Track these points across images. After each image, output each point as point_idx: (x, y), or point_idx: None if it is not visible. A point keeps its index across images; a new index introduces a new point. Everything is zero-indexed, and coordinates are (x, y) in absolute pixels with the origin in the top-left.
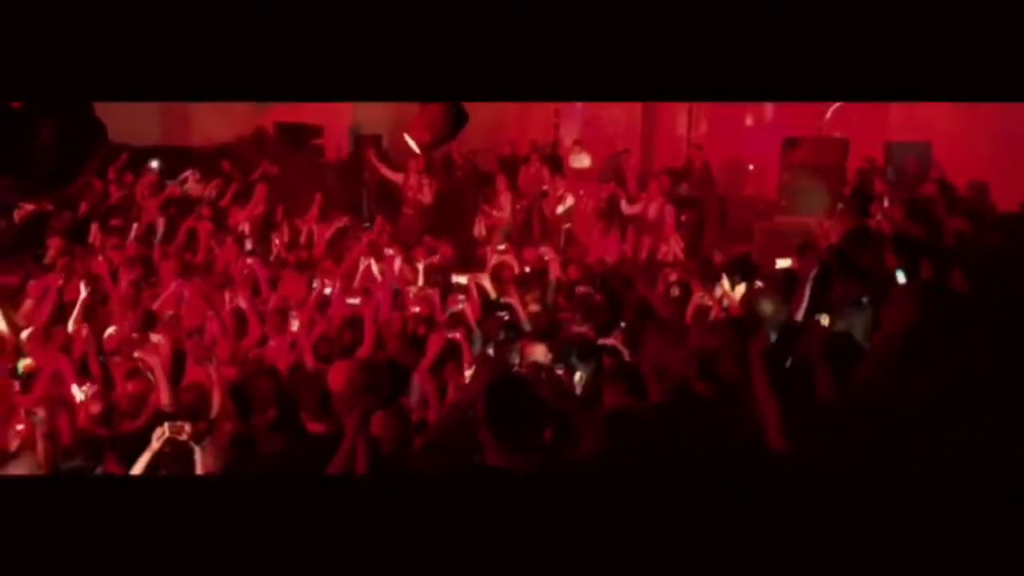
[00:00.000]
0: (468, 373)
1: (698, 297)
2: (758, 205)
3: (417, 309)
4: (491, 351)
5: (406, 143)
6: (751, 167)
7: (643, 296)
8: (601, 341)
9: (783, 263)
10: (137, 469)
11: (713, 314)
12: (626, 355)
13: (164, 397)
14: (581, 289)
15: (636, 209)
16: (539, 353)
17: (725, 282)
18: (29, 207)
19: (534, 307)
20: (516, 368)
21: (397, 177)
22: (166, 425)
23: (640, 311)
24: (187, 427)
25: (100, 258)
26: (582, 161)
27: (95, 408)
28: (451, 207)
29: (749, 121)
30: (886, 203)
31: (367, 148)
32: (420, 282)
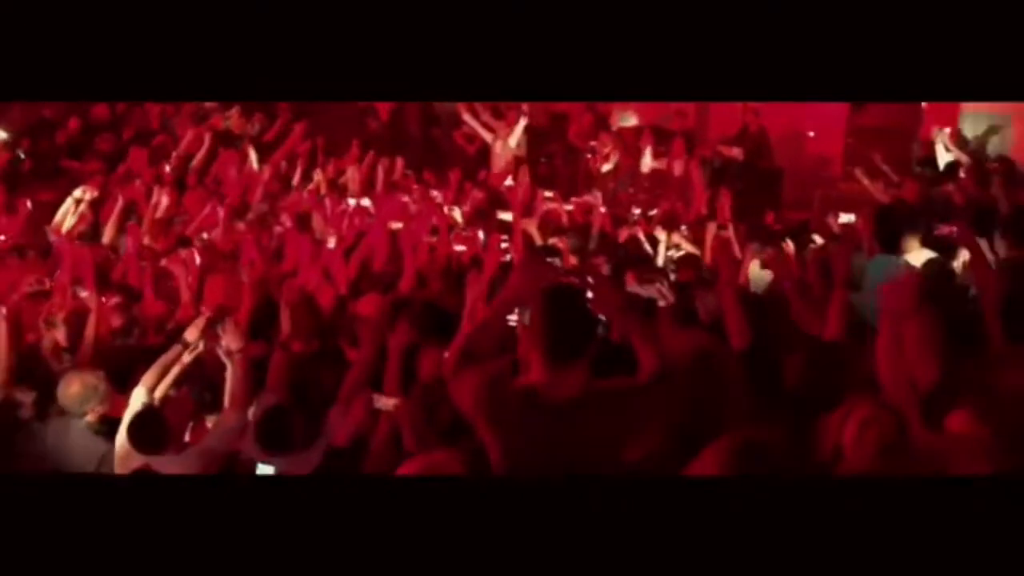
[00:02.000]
0: None
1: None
2: (819, 172)
3: (462, 248)
4: None
5: None
6: (812, 133)
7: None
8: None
9: (846, 218)
10: (162, 388)
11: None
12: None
13: (188, 308)
14: (624, 234)
15: (659, 165)
16: None
17: (789, 245)
18: (72, 127)
19: (572, 259)
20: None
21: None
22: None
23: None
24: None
25: (138, 182)
26: (627, 120)
27: (117, 321)
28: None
29: None
30: (961, 173)
31: None
32: (460, 222)
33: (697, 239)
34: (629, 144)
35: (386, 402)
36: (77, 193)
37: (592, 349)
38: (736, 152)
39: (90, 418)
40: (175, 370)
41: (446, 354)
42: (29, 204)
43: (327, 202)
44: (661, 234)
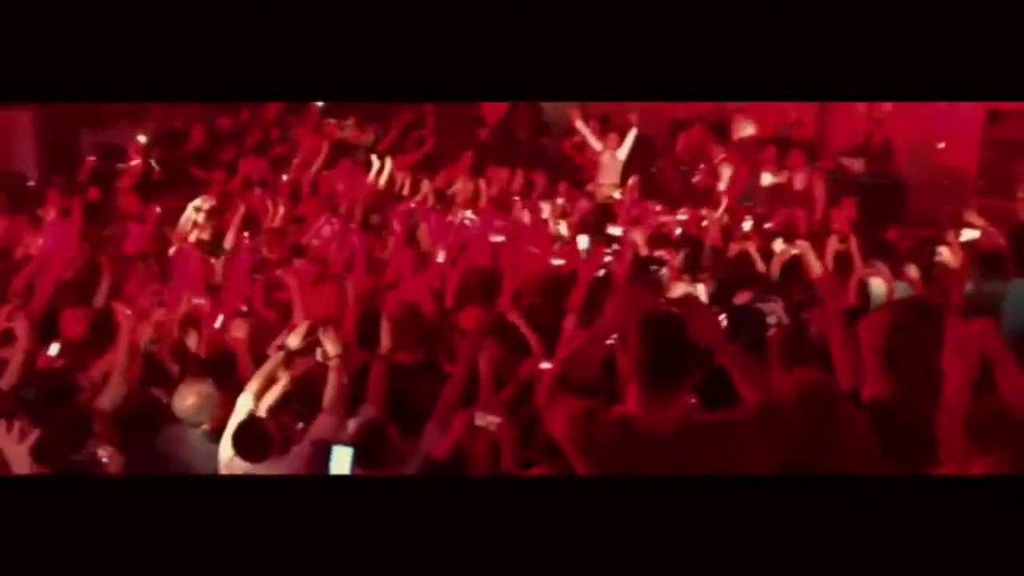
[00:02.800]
0: None
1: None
2: (949, 187)
3: (561, 262)
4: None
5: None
6: (942, 145)
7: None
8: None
9: (970, 235)
10: (266, 396)
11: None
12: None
13: (298, 318)
14: (735, 248)
15: (779, 178)
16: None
17: (912, 269)
18: (197, 136)
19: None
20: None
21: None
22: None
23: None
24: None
25: (256, 191)
26: (746, 129)
27: (240, 332)
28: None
29: None
30: None
31: (519, 105)
32: (564, 235)
33: (815, 253)
34: (748, 156)
35: (487, 420)
36: (197, 202)
37: (691, 380)
38: (859, 164)
39: (206, 427)
40: (278, 377)
41: (545, 364)
42: (159, 210)
43: (434, 214)
44: (778, 246)
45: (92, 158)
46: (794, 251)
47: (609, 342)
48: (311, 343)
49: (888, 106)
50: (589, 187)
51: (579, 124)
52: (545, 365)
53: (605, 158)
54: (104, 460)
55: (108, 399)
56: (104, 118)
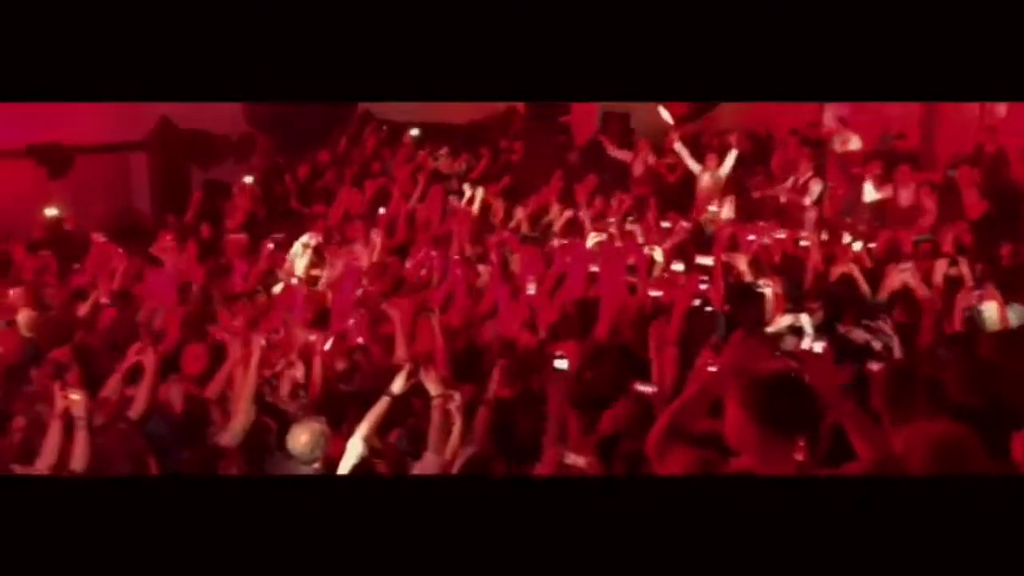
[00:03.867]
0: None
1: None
2: None
3: (658, 293)
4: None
5: (657, 118)
6: None
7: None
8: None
9: None
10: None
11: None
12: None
13: (400, 351)
14: (837, 271)
15: (884, 193)
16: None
17: None
18: (302, 172)
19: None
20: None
21: (625, 156)
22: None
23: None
24: (456, 395)
25: (357, 224)
26: (851, 143)
27: (341, 364)
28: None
29: None
30: None
31: (609, 126)
32: (660, 262)
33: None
34: (849, 171)
35: (576, 460)
36: (304, 239)
37: (808, 436)
38: (970, 176)
39: (317, 465)
40: (382, 419)
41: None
42: (272, 246)
43: (526, 245)
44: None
45: (199, 194)
46: (900, 274)
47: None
48: (413, 385)
49: (1002, 111)
50: (692, 212)
51: (677, 145)
52: (645, 388)
53: (704, 179)
54: None
55: (232, 434)
56: (211, 155)
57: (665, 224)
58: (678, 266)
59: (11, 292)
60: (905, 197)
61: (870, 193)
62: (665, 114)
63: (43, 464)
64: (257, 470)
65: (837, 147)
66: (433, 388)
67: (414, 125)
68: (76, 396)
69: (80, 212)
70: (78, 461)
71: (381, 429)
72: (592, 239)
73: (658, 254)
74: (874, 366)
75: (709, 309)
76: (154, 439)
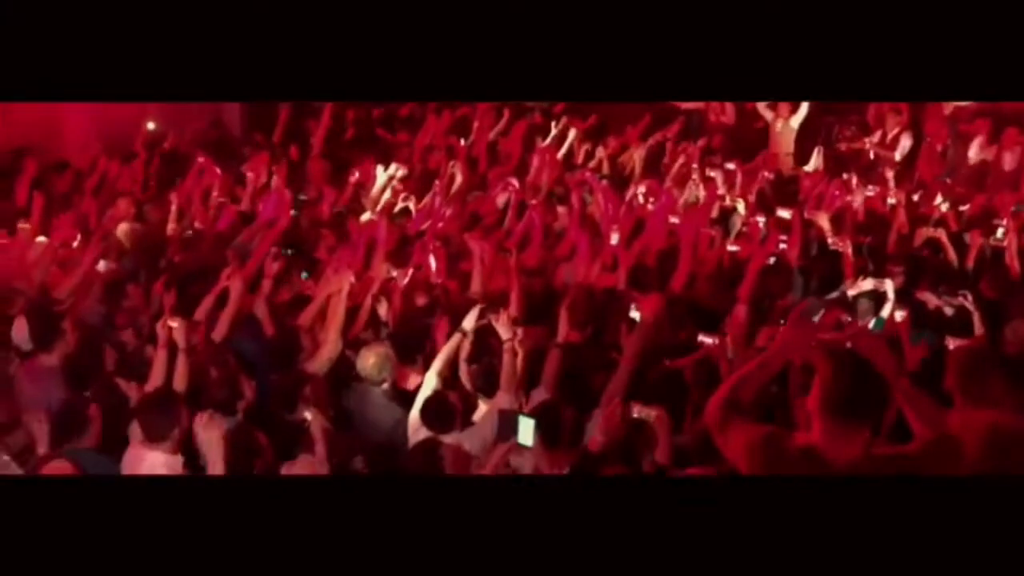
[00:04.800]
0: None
1: None
2: None
3: (736, 248)
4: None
5: None
6: None
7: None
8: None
9: None
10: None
11: None
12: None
13: (476, 284)
14: (923, 234)
15: (987, 154)
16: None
17: None
18: None
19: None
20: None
21: (700, 104)
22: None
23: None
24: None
25: (439, 155)
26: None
27: (421, 300)
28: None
29: None
30: None
31: None
32: (742, 213)
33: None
34: (955, 128)
35: (646, 412)
36: (391, 170)
37: (878, 414)
38: None
39: (385, 386)
40: (460, 355)
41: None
42: (357, 175)
43: (608, 191)
44: (971, 235)
45: (286, 112)
46: (993, 242)
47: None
48: (485, 325)
49: None
50: (759, 159)
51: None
52: (707, 339)
53: (778, 126)
54: (309, 420)
55: (320, 362)
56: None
57: (730, 166)
58: (760, 218)
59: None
60: (1010, 160)
61: (974, 153)
62: None
63: (151, 386)
64: (336, 402)
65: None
66: (504, 331)
67: None
68: (175, 324)
69: (175, 127)
70: (180, 382)
71: (457, 363)
72: (671, 186)
73: (740, 205)
74: (952, 342)
75: (786, 267)
76: (246, 357)
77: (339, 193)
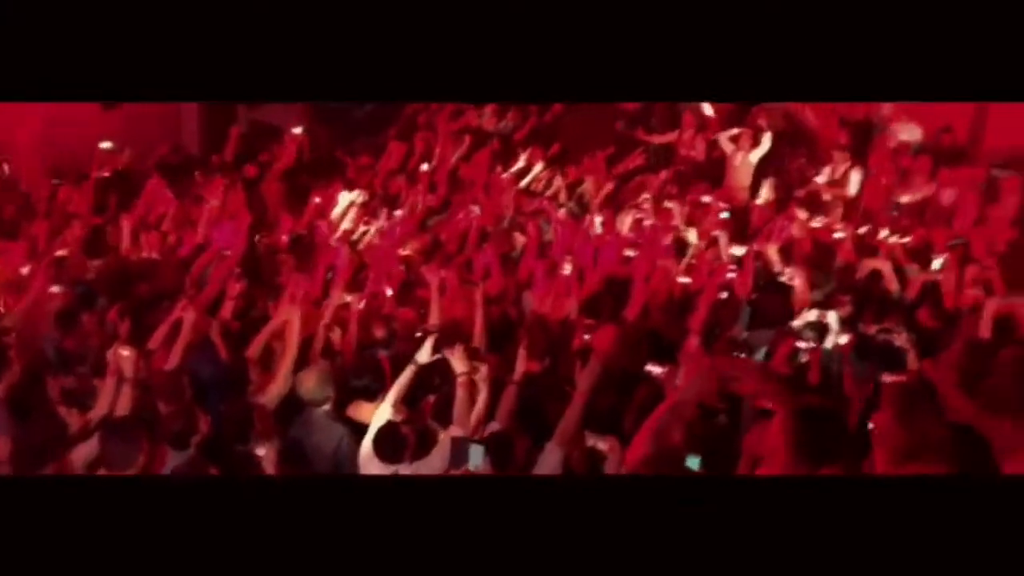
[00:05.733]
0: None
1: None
2: None
3: (687, 280)
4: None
5: None
6: None
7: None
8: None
9: None
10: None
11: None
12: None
13: (434, 316)
14: (868, 265)
15: (927, 190)
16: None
17: None
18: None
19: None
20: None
21: (670, 137)
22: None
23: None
24: (483, 368)
25: (400, 180)
26: (907, 132)
27: (379, 332)
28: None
29: None
30: None
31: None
32: (694, 244)
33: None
34: (898, 164)
35: (599, 443)
36: (352, 196)
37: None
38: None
39: (327, 407)
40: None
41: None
42: (318, 200)
43: (565, 222)
44: (912, 267)
45: (237, 131)
46: (932, 275)
47: None
48: (440, 357)
49: None
50: (718, 192)
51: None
52: (655, 370)
53: (737, 160)
54: (260, 455)
55: (272, 395)
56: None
57: (705, 199)
58: (736, 249)
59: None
60: (947, 196)
61: (915, 188)
62: (708, 109)
63: (96, 414)
64: (285, 432)
65: (892, 135)
66: (458, 365)
67: None
68: (126, 353)
69: (133, 147)
70: (123, 410)
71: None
72: (627, 217)
73: (692, 236)
74: (887, 378)
75: (735, 299)
76: (198, 380)
77: (296, 218)
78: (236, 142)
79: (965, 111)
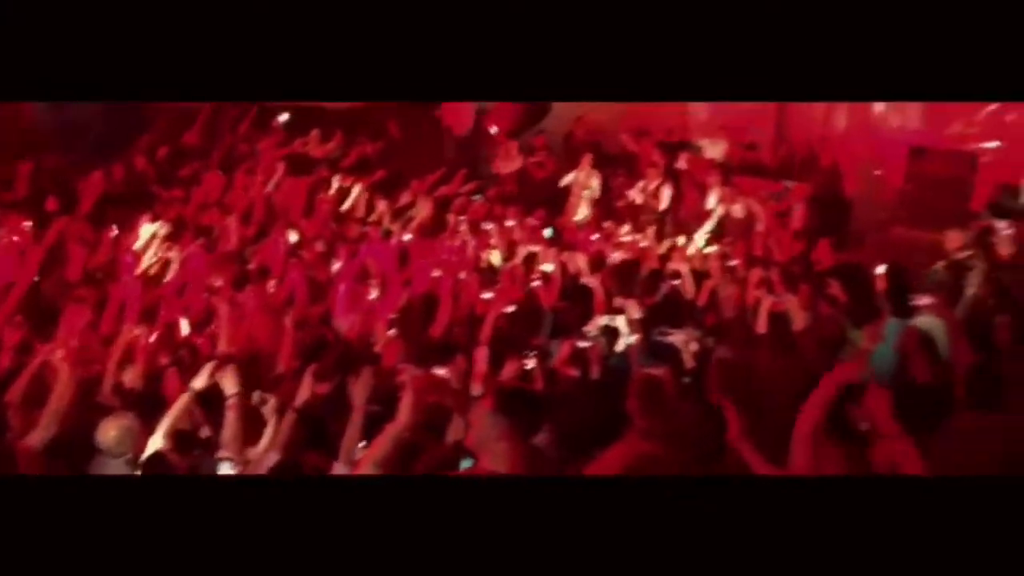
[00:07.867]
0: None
1: (769, 303)
2: (878, 214)
3: (489, 295)
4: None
5: None
6: (878, 172)
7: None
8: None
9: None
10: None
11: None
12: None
13: (223, 343)
14: (670, 270)
15: (724, 204)
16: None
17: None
18: (161, 154)
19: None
20: None
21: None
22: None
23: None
24: (272, 399)
25: (213, 211)
26: (711, 150)
27: (164, 359)
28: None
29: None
30: None
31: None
32: (498, 265)
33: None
34: (698, 179)
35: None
36: (154, 228)
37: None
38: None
39: (129, 457)
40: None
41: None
42: (115, 230)
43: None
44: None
45: (28, 167)
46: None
47: None
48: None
49: (842, 123)
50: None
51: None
52: (439, 371)
53: (583, 194)
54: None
55: (37, 438)
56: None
57: (532, 221)
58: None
59: None
60: (739, 208)
61: (712, 202)
62: (493, 129)
63: None
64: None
65: (708, 152)
66: (229, 387)
67: (286, 109)
68: None
69: None
70: None
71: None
72: (445, 239)
73: (495, 257)
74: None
75: (538, 308)
76: None
77: (91, 252)
78: (27, 178)
79: (770, 123)
